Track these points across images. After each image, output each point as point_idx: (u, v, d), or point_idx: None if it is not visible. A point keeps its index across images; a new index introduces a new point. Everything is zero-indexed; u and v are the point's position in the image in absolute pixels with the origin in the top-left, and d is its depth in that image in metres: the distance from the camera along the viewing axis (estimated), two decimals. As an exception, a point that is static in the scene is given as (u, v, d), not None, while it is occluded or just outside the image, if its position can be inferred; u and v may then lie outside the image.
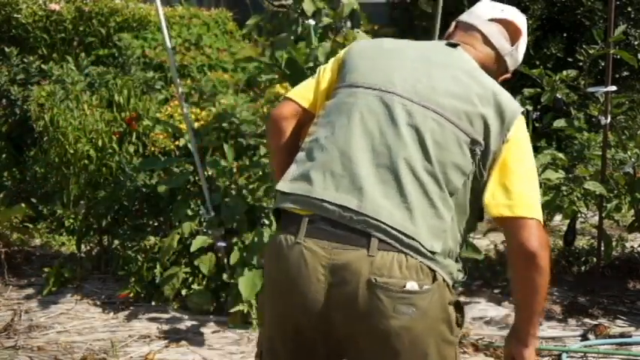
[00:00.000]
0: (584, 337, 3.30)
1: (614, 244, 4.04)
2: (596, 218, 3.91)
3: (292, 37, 3.29)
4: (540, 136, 5.21)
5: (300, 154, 1.63)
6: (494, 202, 1.55)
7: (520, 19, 1.79)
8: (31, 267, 4.19)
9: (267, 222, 3.57)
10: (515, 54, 1.78)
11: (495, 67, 1.76)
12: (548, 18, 6.14)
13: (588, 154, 3.86)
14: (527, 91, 3.72)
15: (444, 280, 1.51)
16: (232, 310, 3.36)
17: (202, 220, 3.57)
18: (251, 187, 3.62)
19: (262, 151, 3.69)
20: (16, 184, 4.86)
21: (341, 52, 1.77)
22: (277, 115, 1.76)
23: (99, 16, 6.00)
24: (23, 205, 4.22)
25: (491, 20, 1.76)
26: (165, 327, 3.41)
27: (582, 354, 3.15)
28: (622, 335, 3.32)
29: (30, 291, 3.85)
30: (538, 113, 3.86)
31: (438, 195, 1.52)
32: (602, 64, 4.69)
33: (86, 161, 4.42)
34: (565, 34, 6.15)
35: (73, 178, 4.45)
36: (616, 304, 3.66)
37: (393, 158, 1.53)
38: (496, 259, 3.95)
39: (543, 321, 3.39)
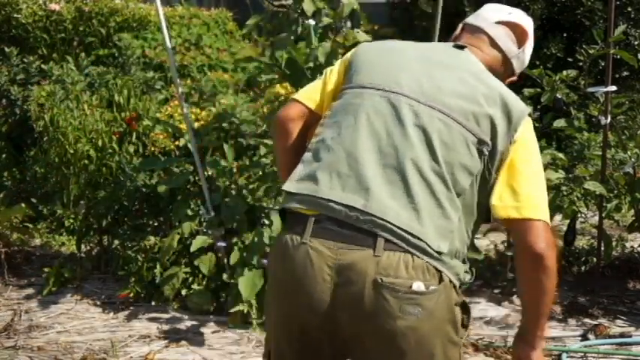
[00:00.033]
0: (584, 337, 3.30)
1: (614, 244, 4.04)
2: (596, 218, 3.91)
3: (292, 37, 3.29)
4: (540, 136, 5.18)
5: (307, 155, 1.63)
6: (502, 203, 1.55)
7: (527, 22, 1.79)
8: (31, 267, 4.19)
9: (267, 222, 3.57)
10: (522, 56, 1.78)
11: (502, 69, 1.76)
12: (548, 18, 6.14)
13: (588, 154, 3.86)
14: (527, 91, 3.71)
15: (450, 280, 1.50)
16: (232, 310, 3.36)
17: (202, 220, 3.57)
18: (251, 187, 3.62)
19: (262, 151, 3.69)
20: (16, 184, 4.86)
21: (348, 54, 1.77)
22: (284, 116, 1.76)
23: (99, 16, 6.00)
24: (23, 205, 4.22)
25: (499, 23, 1.76)
26: (165, 327, 3.41)
27: (582, 354, 3.15)
28: (622, 335, 3.32)
29: (30, 291, 3.85)
30: (538, 113, 3.86)
31: (445, 195, 1.51)
32: (602, 64, 4.69)
33: (86, 161, 4.42)
34: (565, 34, 6.15)
35: (73, 178, 4.45)
36: (616, 304, 3.66)
37: (400, 159, 1.52)
38: (496, 259, 3.95)
39: (543, 321, 3.38)
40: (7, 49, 5.03)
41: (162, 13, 3.40)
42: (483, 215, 1.61)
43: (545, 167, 3.69)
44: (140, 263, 3.67)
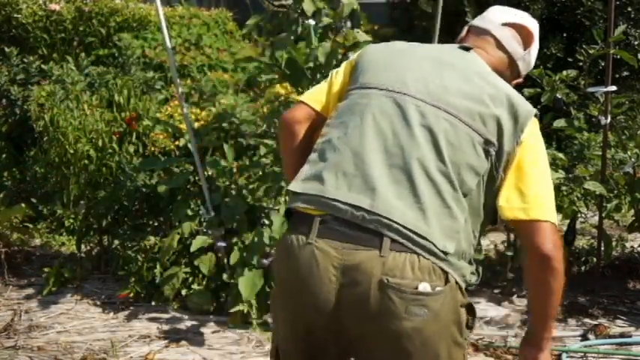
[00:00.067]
0: (584, 337, 3.30)
1: (614, 244, 4.04)
2: (596, 218, 3.91)
3: (292, 37, 3.29)
4: (540, 136, 5.19)
5: (313, 155, 1.63)
6: (509, 205, 1.54)
7: (533, 24, 1.80)
8: (31, 267, 4.19)
9: (267, 222, 3.57)
10: (528, 58, 1.79)
11: (508, 71, 1.77)
12: (548, 18, 6.14)
13: (588, 154, 3.86)
14: (527, 91, 3.72)
15: (456, 282, 1.50)
16: (232, 310, 3.36)
17: (202, 220, 3.57)
18: (251, 187, 3.62)
19: (262, 151, 3.69)
20: (16, 184, 4.86)
21: (354, 55, 1.78)
22: (290, 118, 1.76)
23: (99, 16, 6.00)
24: (23, 205, 4.22)
25: (504, 25, 1.77)
26: (166, 327, 3.41)
27: (582, 354, 3.15)
28: (622, 335, 3.31)
29: (30, 291, 3.85)
30: (538, 113, 3.88)
31: (451, 195, 1.51)
32: (602, 64, 4.69)
33: (86, 161, 4.42)
34: (565, 34, 6.15)
35: (73, 178, 4.45)
36: (616, 304, 3.66)
37: (406, 159, 1.52)
38: (496, 259, 3.95)
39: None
40: (7, 49, 5.04)
41: (162, 13, 3.40)
42: (490, 217, 1.61)
43: (546, 167, 3.68)
44: (140, 263, 3.67)
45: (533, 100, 3.77)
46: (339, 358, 1.61)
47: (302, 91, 3.41)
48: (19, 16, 5.78)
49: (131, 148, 4.46)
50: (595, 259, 3.92)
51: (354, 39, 3.26)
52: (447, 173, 1.52)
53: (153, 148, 4.32)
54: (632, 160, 3.76)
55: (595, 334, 3.31)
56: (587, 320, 3.47)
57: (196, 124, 3.78)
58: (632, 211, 3.90)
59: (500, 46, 1.75)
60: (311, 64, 3.27)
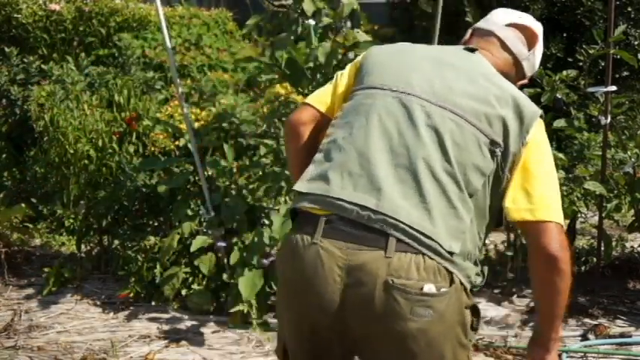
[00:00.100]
0: (584, 337, 3.30)
1: (614, 244, 4.04)
2: (596, 218, 3.91)
3: (292, 37, 3.29)
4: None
5: (318, 155, 1.63)
6: (515, 206, 1.54)
7: (536, 25, 1.81)
8: (31, 267, 4.19)
9: (267, 222, 3.57)
10: (532, 59, 1.79)
11: (513, 72, 1.77)
12: (548, 18, 6.13)
13: (588, 154, 3.86)
14: (527, 91, 3.71)
15: (461, 283, 1.50)
16: (232, 310, 3.36)
17: (202, 220, 3.57)
18: (251, 187, 3.62)
19: (262, 151, 3.69)
20: (16, 184, 4.86)
21: (358, 57, 1.78)
22: (295, 120, 1.76)
23: (99, 16, 6.00)
24: (23, 205, 4.23)
25: (508, 25, 1.77)
26: (166, 327, 3.41)
27: (582, 354, 3.15)
28: (622, 335, 3.31)
29: (30, 291, 3.86)
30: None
31: (457, 195, 1.51)
32: (602, 64, 4.68)
33: (86, 161, 4.42)
34: (565, 34, 6.14)
35: (73, 178, 4.45)
36: (616, 304, 3.66)
37: (412, 159, 1.52)
38: (496, 259, 3.95)
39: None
40: (7, 49, 5.04)
41: (162, 13, 3.40)
42: (495, 218, 1.61)
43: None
44: (140, 263, 3.67)
45: (533, 100, 3.76)
46: (344, 358, 1.61)
47: (302, 91, 3.42)
48: (19, 16, 5.78)
49: (131, 148, 4.46)
50: (595, 259, 3.92)
51: (354, 39, 3.26)
52: (453, 173, 1.52)
53: (153, 148, 4.32)
54: (632, 160, 3.76)
55: (595, 334, 3.31)
56: (587, 320, 3.47)
57: (196, 124, 3.78)
58: (632, 211, 3.90)
59: (504, 46, 1.76)
60: (311, 64, 3.27)
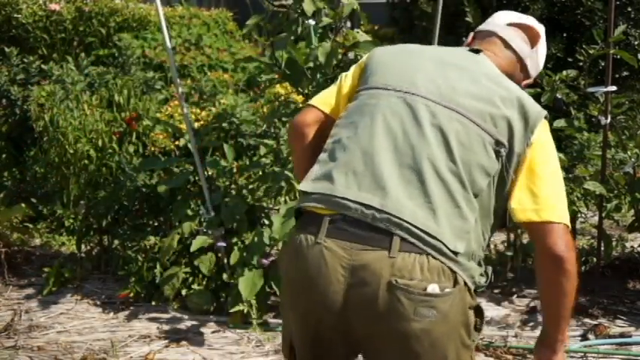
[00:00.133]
0: (584, 337, 3.30)
1: (614, 244, 4.04)
2: (596, 218, 3.91)
3: (292, 37, 3.29)
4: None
5: (323, 155, 1.63)
6: (521, 207, 1.54)
7: (538, 25, 1.81)
8: (31, 267, 4.19)
9: (267, 222, 3.57)
10: (535, 57, 1.79)
11: (517, 71, 1.77)
12: (548, 18, 6.13)
13: (588, 154, 3.86)
14: (527, 91, 3.71)
15: (465, 283, 1.50)
16: (232, 310, 3.36)
17: (202, 220, 3.57)
18: (251, 187, 3.62)
19: (262, 151, 3.69)
20: (16, 184, 4.85)
21: (363, 58, 1.78)
22: (299, 122, 1.76)
23: (99, 16, 6.01)
24: (23, 205, 4.23)
25: (510, 25, 1.78)
26: (166, 327, 3.41)
27: (582, 354, 3.15)
28: (622, 335, 3.31)
29: (30, 291, 3.85)
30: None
31: (462, 195, 1.51)
32: (602, 64, 4.69)
33: (86, 161, 4.42)
34: (565, 34, 6.14)
35: (73, 178, 4.45)
36: (616, 304, 3.66)
37: (417, 158, 1.52)
38: (496, 259, 3.95)
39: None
40: (7, 49, 5.03)
41: (162, 13, 3.40)
42: (499, 220, 1.61)
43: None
44: (140, 263, 3.67)
45: (534, 100, 3.79)
46: (348, 358, 1.61)
47: (302, 91, 3.42)
48: (19, 16, 5.78)
49: (131, 148, 4.46)
50: (595, 259, 3.92)
51: (354, 39, 3.26)
52: (458, 173, 1.52)
53: (153, 148, 4.32)
54: (632, 160, 3.76)
55: (595, 334, 3.31)
56: (587, 320, 3.47)
57: (196, 124, 3.78)
58: (632, 211, 3.90)
59: (507, 45, 1.76)
60: (311, 64, 3.27)
